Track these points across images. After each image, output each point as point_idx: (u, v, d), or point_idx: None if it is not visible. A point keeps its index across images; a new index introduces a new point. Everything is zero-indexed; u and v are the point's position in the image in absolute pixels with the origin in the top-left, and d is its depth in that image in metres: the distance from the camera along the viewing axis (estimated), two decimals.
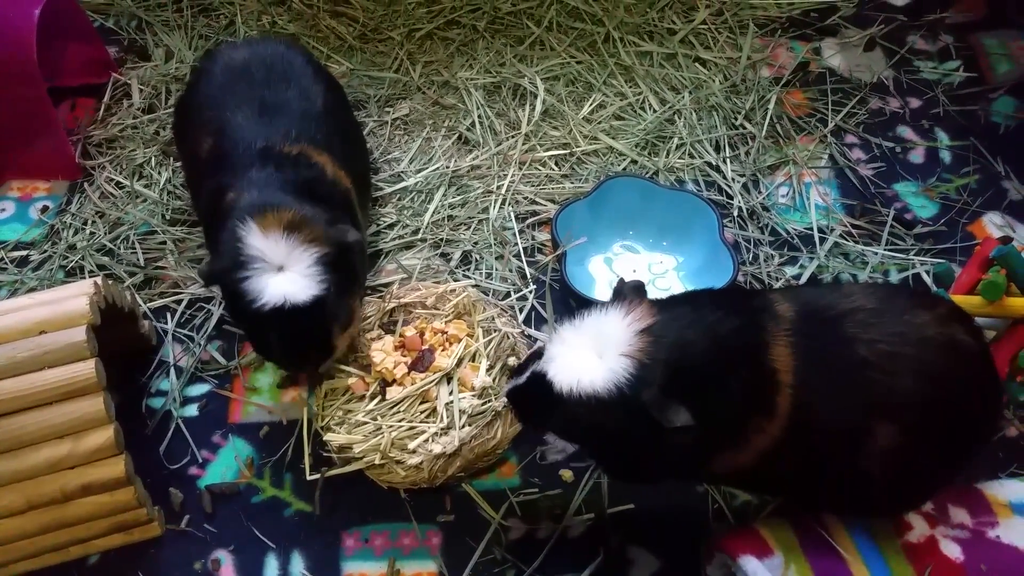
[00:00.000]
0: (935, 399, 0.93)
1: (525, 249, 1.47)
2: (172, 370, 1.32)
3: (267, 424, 1.27)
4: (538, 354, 0.97)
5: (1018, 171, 1.60)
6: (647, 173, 1.58)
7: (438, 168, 1.59)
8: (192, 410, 1.29)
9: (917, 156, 1.65)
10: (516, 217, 1.52)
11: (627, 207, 1.48)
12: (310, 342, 1.13)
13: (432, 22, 1.85)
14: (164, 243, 1.48)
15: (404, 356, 1.21)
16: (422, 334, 1.24)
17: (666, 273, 1.46)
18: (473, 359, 1.22)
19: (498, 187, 1.56)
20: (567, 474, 1.21)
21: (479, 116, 1.67)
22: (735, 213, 1.53)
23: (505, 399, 1.05)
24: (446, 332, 1.24)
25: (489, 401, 1.17)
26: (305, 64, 1.36)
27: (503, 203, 1.54)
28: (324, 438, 1.18)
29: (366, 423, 1.16)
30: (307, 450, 1.21)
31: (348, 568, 1.13)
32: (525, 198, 1.56)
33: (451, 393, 1.17)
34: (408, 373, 1.19)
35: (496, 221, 1.51)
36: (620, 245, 1.50)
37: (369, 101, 1.71)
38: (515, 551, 1.14)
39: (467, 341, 1.22)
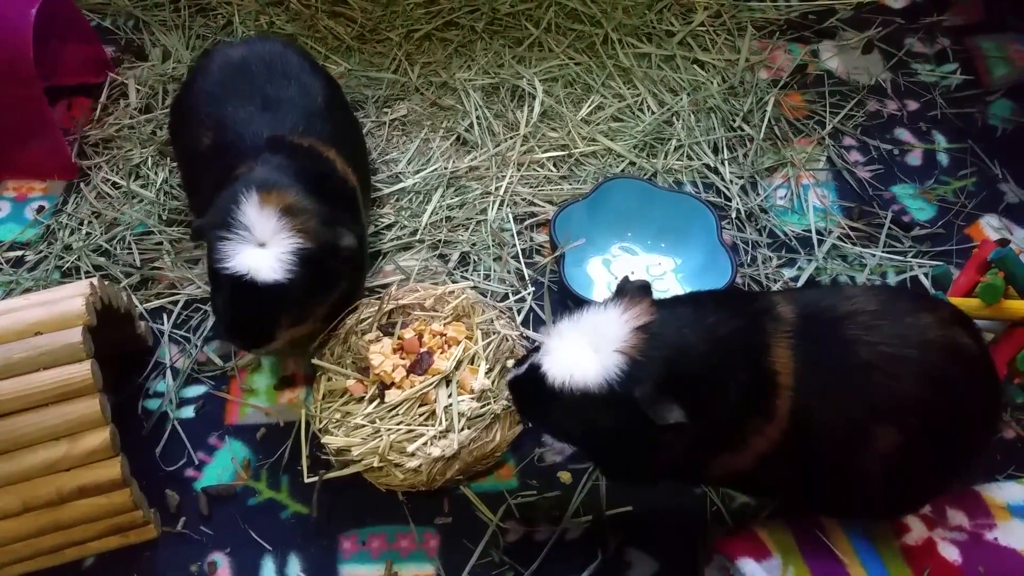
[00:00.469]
0: (936, 402, 0.93)
1: (523, 250, 1.47)
2: (168, 371, 1.32)
3: (264, 426, 1.27)
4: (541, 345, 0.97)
5: (1015, 174, 1.60)
6: (645, 175, 1.58)
7: (436, 169, 1.59)
8: (188, 412, 1.28)
9: (915, 158, 1.65)
10: (514, 218, 1.52)
11: (625, 209, 1.48)
12: (252, 323, 1.12)
13: (430, 23, 1.84)
14: (160, 244, 1.48)
15: (403, 359, 1.21)
16: (421, 336, 1.24)
17: (664, 275, 1.46)
18: (472, 362, 1.21)
19: (496, 188, 1.56)
20: (565, 476, 1.21)
21: (477, 117, 1.67)
22: (733, 215, 1.53)
23: (507, 391, 1.04)
24: (445, 334, 1.24)
25: (488, 404, 1.17)
26: (302, 61, 1.36)
27: (501, 204, 1.54)
28: (322, 441, 1.17)
29: (364, 426, 1.15)
30: (304, 452, 1.20)
31: (345, 571, 1.13)
32: (523, 199, 1.56)
33: (450, 396, 1.16)
34: (407, 376, 1.18)
35: (494, 222, 1.51)
36: (618, 247, 1.50)
37: (367, 102, 1.71)
38: (513, 553, 1.13)
39: (466, 344, 1.22)
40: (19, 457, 1.00)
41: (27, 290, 1.40)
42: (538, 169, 1.60)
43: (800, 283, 1.43)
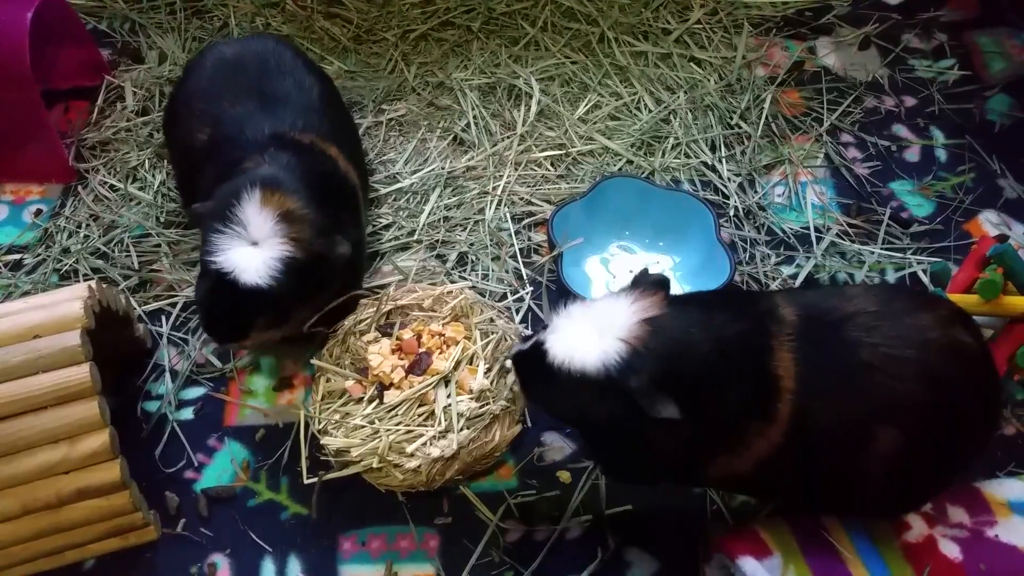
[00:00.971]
0: (937, 401, 0.93)
1: (521, 250, 1.47)
2: (167, 373, 1.32)
3: (263, 427, 1.27)
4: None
5: (1013, 169, 1.60)
6: (643, 173, 1.58)
7: (433, 169, 1.59)
8: (188, 413, 1.28)
9: (912, 155, 1.65)
10: (512, 218, 1.52)
11: (623, 207, 1.48)
12: (227, 319, 1.13)
13: (426, 23, 1.84)
14: (159, 246, 1.48)
15: (401, 359, 1.21)
16: (419, 337, 1.24)
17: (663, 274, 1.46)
18: (471, 362, 1.21)
19: (494, 188, 1.56)
20: (565, 475, 1.21)
21: (474, 117, 1.67)
22: (731, 213, 1.53)
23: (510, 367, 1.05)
24: (443, 335, 1.24)
25: (487, 404, 1.17)
26: (296, 58, 1.36)
27: (499, 204, 1.54)
28: (322, 442, 1.17)
29: (363, 426, 1.15)
30: (304, 453, 1.20)
31: (345, 571, 1.13)
32: (521, 199, 1.56)
33: (449, 396, 1.16)
34: (406, 376, 1.18)
35: (492, 222, 1.51)
36: (616, 245, 1.50)
37: (364, 102, 1.71)
38: (513, 553, 1.13)
39: (464, 344, 1.22)
40: (18, 460, 0.99)
41: (25, 293, 1.40)
42: (535, 168, 1.60)
43: (799, 281, 1.43)
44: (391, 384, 1.18)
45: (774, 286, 1.42)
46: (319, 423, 1.19)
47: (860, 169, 1.61)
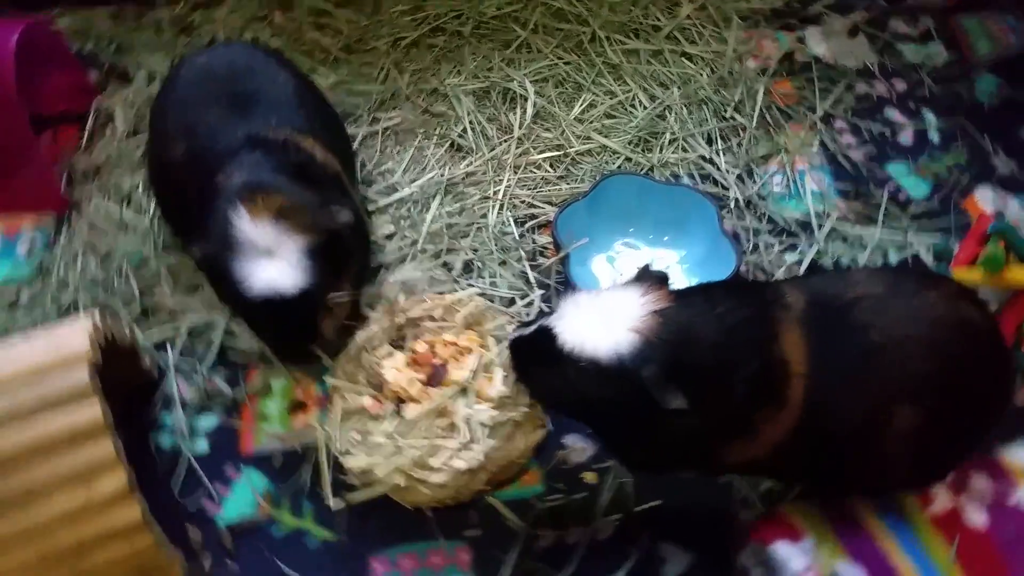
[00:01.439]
0: (950, 377, 0.94)
1: (526, 253, 1.46)
2: (177, 404, 1.29)
3: (281, 453, 1.24)
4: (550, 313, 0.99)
5: (1005, 146, 1.63)
6: (642, 170, 1.58)
7: (432, 177, 1.58)
8: (202, 444, 1.26)
9: (906, 138, 1.67)
10: (515, 221, 1.51)
11: (625, 205, 1.48)
12: (299, 333, 1.13)
13: (417, 30, 1.82)
14: (159, 272, 1.45)
15: (417, 372, 1.19)
16: (433, 348, 1.22)
17: (669, 268, 1.46)
18: (487, 370, 1.20)
19: (495, 192, 1.55)
20: (590, 476, 1.21)
21: (470, 122, 1.66)
22: (732, 204, 1.53)
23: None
24: (457, 344, 1.23)
25: (508, 411, 1.15)
26: (267, 56, 1.35)
27: (501, 208, 1.53)
28: (344, 463, 1.15)
29: (384, 443, 1.13)
30: (327, 477, 1.18)
31: None
32: (523, 202, 1.55)
33: (469, 406, 1.15)
34: (423, 389, 1.17)
35: (495, 227, 1.50)
36: (621, 243, 1.50)
37: (358, 112, 1.69)
38: (547, 559, 1.13)
39: (480, 352, 1.21)
40: (33, 508, 0.95)
41: (25, 330, 1.36)
42: (535, 170, 1.59)
43: (803, 267, 1.44)
44: (409, 398, 1.17)
45: (779, 274, 1.43)
46: (339, 443, 1.17)
47: (856, 154, 1.63)
